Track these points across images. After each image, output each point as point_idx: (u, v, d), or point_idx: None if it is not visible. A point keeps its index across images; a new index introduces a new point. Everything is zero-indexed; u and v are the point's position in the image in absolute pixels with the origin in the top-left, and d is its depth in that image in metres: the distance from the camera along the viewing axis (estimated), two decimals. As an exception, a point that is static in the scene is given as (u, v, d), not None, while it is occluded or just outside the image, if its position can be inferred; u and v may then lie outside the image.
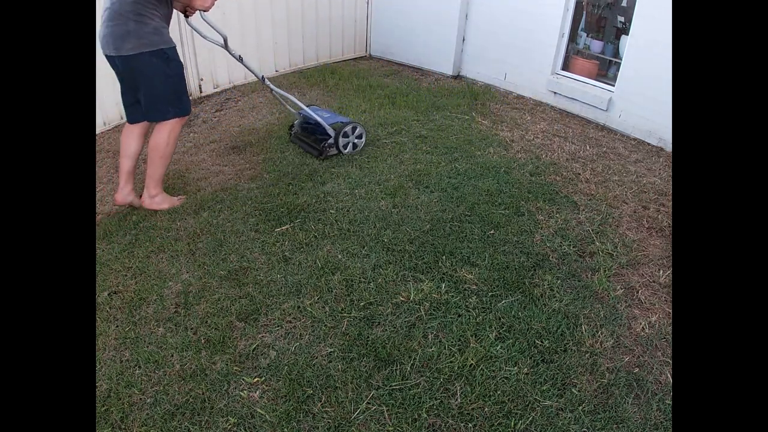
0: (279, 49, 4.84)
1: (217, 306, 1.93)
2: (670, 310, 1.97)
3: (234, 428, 1.47)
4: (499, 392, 1.58)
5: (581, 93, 4.03)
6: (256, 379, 1.63)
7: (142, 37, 2.16)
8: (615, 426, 1.50)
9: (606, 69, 4.24)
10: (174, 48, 2.31)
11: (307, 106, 3.10)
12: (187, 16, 2.48)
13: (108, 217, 2.55)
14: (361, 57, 5.78)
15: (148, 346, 1.75)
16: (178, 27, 3.81)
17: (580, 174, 3.04)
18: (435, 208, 2.58)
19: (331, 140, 3.04)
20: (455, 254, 2.22)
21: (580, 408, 1.54)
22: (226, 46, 2.64)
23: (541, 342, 1.77)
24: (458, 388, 1.60)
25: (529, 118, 4.00)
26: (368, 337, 1.78)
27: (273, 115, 3.91)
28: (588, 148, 3.46)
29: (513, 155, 3.25)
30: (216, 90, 4.42)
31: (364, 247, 2.26)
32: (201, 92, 4.30)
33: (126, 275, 2.10)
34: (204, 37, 2.65)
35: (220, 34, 2.57)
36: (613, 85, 3.85)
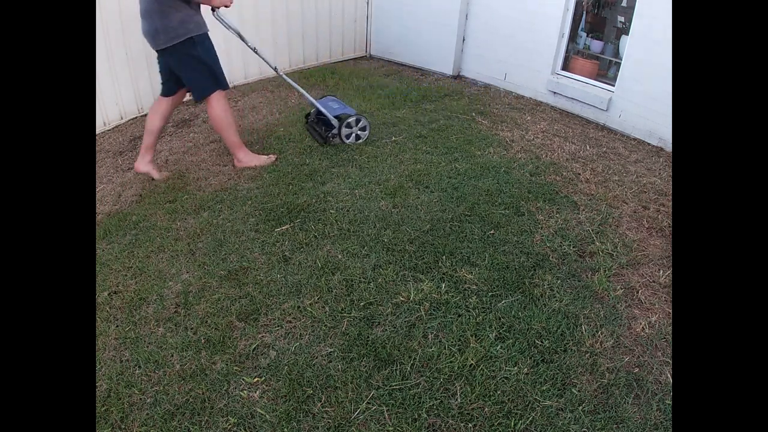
0: (279, 49, 4.84)
1: (217, 306, 1.93)
2: (670, 310, 1.97)
3: (234, 428, 1.47)
4: (499, 392, 1.58)
5: (581, 93, 4.03)
6: (256, 379, 1.63)
7: (169, 32, 2.42)
8: (615, 426, 1.50)
9: (606, 69, 4.24)
10: (205, 33, 2.58)
11: (322, 97, 3.37)
12: (213, 10, 2.65)
13: (108, 217, 2.55)
14: (361, 57, 5.78)
15: (148, 346, 1.75)
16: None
17: (580, 174, 3.04)
18: (435, 208, 2.58)
19: (335, 130, 3.21)
20: (455, 254, 2.22)
21: (580, 408, 1.54)
22: (242, 38, 2.86)
23: (541, 342, 1.77)
24: (458, 388, 1.60)
25: (529, 118, 4.00)
26: (368, 337, 1.78)
27: (273, 115, 3.91)
28: (588, 148, 3.46)
29: (513, 155, 3.25)
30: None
31: (364, 247, 2.26)
32: (201, 92, 4.29)
33: (126, 275, 2.10)
34: (228, 27, 2.82)
35: (233, 30, 2.77)
36: (613, 85, 3.85)
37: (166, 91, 2.81)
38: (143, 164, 2.87)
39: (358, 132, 3.31)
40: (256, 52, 2.93)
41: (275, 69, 3.02)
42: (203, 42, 2.57)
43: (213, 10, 2.62)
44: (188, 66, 2.58)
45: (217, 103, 2.72)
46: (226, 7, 2.57)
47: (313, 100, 3.22)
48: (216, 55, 2.66)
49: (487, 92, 4.63)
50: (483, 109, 4.13)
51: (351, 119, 3.23)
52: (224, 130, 2.83)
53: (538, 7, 4.15)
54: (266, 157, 3.03)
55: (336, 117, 3.21)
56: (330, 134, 3.22)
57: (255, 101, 4.24)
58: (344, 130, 3.23)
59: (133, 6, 3.52)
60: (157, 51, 2.55)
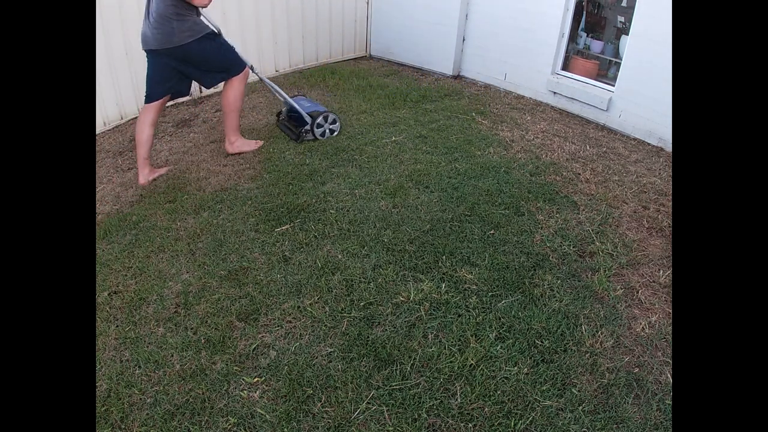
0: (279, 49, 4.84)
1: (217, 306, 1.93)
2: (670, 310, 1.97)
3: (234, 428, 1.47)
4: (499, 392, 1.58)
5: (581, 93, 4.03)
6: (256, 379, 1.63)
7: (185, 30, 2.65)
8: (615, 426, 1.50)
9: (606, 69, 4.24)
10: (213, 31, 2.84)
11: (293, 97, 3.49)
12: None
13: (108, 217, 2.55)
14: (361, 57, 5.78)
15: (148, 346, 1.75)
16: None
17: (580, 174, 3.04)
18: (435, 208, 2.58)
19: (307, 126, 3.36)
20: (455, 254, 2.22)
21: (580, 408, 1.54)
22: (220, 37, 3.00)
23: (541, 342, 1.77)
24: (458, 388, 1.60)
25: (529, 118, 4.00)
26: (368, 337, 1.78)
27: (273, 116, 3.91)
28: (588, 148, 3.46)
29: (513, 155, 3.25)
30: (216, 90, 4.41)
31: (364, 247, 2.26)
32: (201, 92, 4.30)
33: (126, 275, 2.10)
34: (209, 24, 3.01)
35: (214, 27, 2.91)
36: (613, 85, 3.85)
37: (156, 96, 2.86)
38: (146, 174, 2.91)
39: (330, 127, 3.46)
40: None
41: (251, 67, 3.15)
42: (215, 37, 2.84)
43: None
44: (210, 54, 2.82)
45: (238, 84, 2.99)
46: (203, 7, 2.72)
47: (288, 98, 3.38)
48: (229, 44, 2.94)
49: (487, 92, 4.63)
50: (483, 109, 4.13)
51: (320, 117, 3.38)
52: (231, 113, 3.05)
53: (538, 7, 4.14)
54: (254, 142, 3.27)
55: (308, 114, 3.37)
56: (303, 130, 3.36)
57: (255, 101, 4.24)
58: (317, 127, 3.39)
59: (133, 5, 3.53)
60: (166, 50, 2.67)
